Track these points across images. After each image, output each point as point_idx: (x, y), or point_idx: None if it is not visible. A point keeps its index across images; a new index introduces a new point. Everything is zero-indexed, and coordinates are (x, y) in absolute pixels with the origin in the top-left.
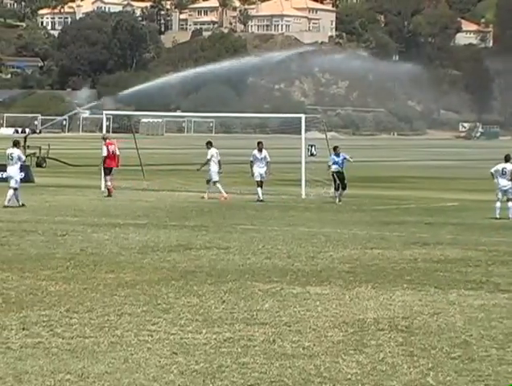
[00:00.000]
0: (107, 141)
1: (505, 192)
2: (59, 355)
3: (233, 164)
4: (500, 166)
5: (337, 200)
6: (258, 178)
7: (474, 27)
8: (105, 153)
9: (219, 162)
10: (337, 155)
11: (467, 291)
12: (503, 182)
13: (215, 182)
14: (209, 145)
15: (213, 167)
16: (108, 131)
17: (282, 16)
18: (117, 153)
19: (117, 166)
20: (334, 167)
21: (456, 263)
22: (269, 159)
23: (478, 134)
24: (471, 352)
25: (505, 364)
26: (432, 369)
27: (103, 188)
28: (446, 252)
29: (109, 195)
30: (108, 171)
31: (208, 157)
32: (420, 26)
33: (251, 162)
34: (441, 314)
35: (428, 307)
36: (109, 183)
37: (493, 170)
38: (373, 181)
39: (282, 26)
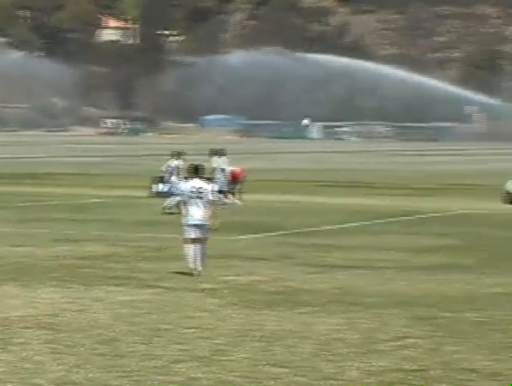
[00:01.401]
0: None
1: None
2: None
3: None
4: (173, 163)
5: None
6: None
7: (120, 24)
8: None
9: None
10: None
11: (113, 287)
12: (173, 178)
13: None
14: None
15: None
16: None
17: None
18: None
19: None
20: None
21: (102, 259)
22: None
23: (123, 130)
24: (118, 348)
25: (152, 359)
26: (79, 366)
27: None
28: (93, 249)
29: None
30: None
31: None
32: (63, 22)
33: None
34: (88, 310)
35: (75, 304)
36: None
37: (163, 169)
38: (17, 178)
39: None
